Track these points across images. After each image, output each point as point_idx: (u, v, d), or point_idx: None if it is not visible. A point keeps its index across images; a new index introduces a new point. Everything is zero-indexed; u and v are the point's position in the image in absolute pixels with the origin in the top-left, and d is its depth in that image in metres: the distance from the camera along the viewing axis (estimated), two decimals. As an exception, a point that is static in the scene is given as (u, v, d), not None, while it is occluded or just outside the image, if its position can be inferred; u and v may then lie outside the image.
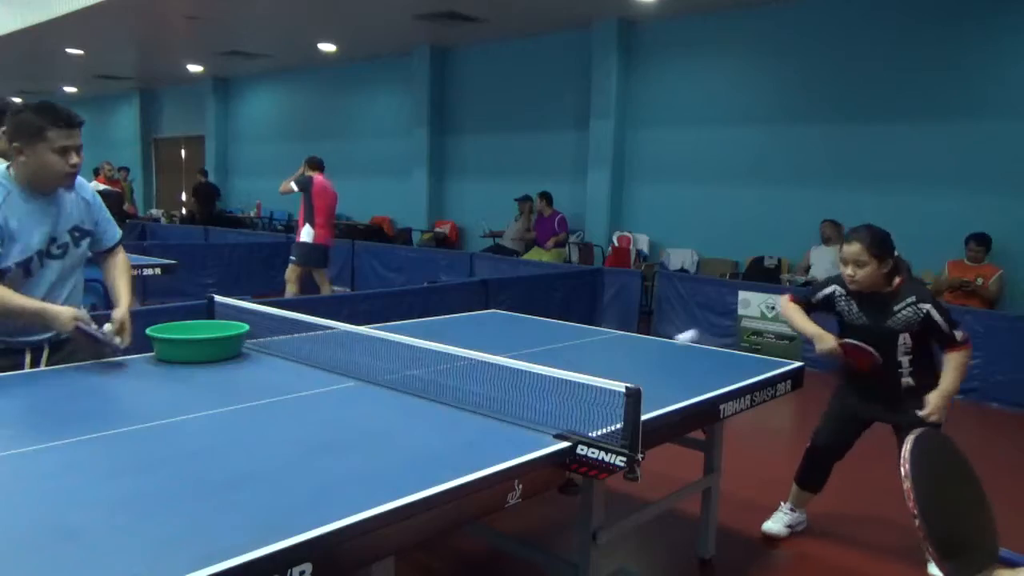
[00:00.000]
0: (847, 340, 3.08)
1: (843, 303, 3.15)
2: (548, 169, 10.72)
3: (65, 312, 2.46)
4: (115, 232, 2.81)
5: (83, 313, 2.50)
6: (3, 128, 3.42)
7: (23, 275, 2.49)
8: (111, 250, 2.81)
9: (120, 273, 2.80)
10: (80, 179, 2.70)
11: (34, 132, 2.42)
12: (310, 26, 10.80)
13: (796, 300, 3.29)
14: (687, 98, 9.36)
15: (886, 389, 3.12)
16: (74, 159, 2.49)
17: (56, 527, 1.38)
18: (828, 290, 3.21)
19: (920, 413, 2.98)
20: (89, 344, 2.53)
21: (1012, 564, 1.04)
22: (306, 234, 6.99)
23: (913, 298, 3.01)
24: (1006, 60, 7.12)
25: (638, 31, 9.70)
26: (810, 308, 3.26)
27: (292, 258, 7.22)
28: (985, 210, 7.16)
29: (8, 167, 2.50)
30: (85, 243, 2.69)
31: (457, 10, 9.41)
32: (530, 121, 10.98)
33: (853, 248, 3.00)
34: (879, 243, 2.99)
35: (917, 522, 0.90)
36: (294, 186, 7.23)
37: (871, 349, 3.02)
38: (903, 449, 0.96)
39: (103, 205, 2.78)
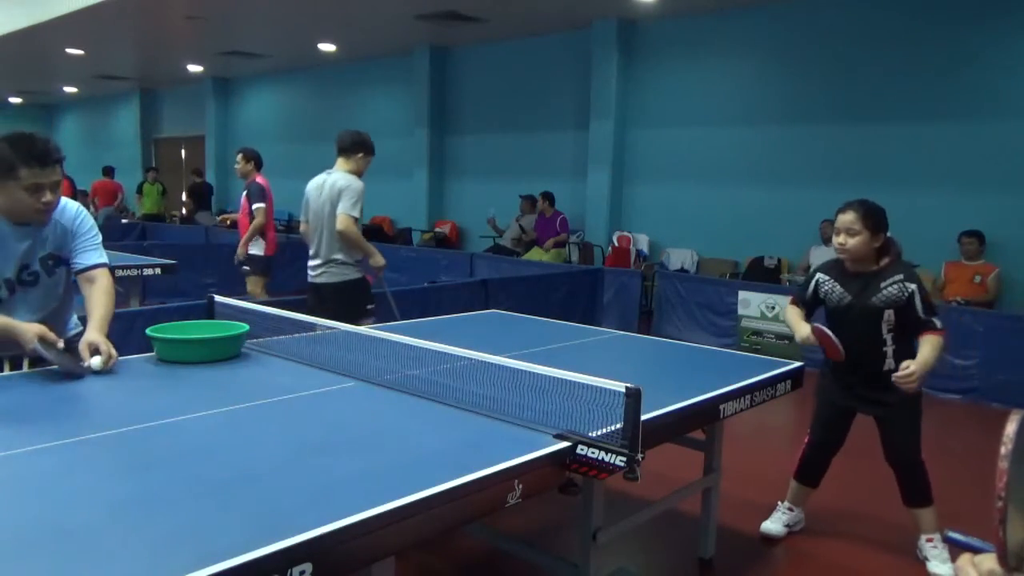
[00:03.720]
0: (818, 325, 3.09)
1: (827, 286, 3.17)
2: (548, 169, 10.72)
3: (30, 329, 2.34)
4: (92, 256, 2.62)
5: (47, 332, 2.37)
6: (360, 154, 4.59)
7: None
8: (87, 272, 2.60)
9: (95, 297, 2.58)
10: (63, 201, 2.56)
11: (5, 169, 2.32)
12: (310, 26, 10.80)
13: (795, 302, 3.33)
14: (687, 98, 9.36)
15: (869, 369, 3.10)
16: (47, 196, 2.38)
17: (56, 527, 1.38)
18: (812, 281, 3.25)
19: (896, 376, 2.92)
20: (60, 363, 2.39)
21: (961, 546, 1.04)
22: (258, 246, 6.36)
23: (901, 276, 3.03)
24: (1006, 61, 7.12)
25: (638, 31, 9.70)
26: (807, 306, 3.28)
27: (247, 268, 6.49)
28: (984, 210, 7.16)
29: None
30: (61, 271, 2.58)
31: (457, 10, 9.41)
32: (530, 121, 10.98)
33: (847, 216, 3.03)
34: (873, 215, 3.02)
35: (1000, 503, 0.89)
36: (262, 206, 6.35)
37: (837, 342, 3.02)
38: (1007, 428, 0.94)
39: (89, 229, 2.63)
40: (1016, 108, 7.05)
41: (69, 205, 2.61)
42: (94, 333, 2.47)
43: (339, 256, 4.40)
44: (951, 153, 7.44)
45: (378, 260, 4.52)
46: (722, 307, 7.30)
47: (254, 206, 6.37)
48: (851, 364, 3.13)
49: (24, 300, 2.52)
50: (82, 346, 2.44)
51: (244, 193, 6.48)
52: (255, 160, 6.50)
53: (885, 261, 3.07)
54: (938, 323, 3.01)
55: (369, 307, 4.52)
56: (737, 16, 8.81)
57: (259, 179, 6.47)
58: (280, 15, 10.17)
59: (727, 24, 8.92)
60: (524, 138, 11.09)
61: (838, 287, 3.13)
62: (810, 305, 3.27)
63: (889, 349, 3.07)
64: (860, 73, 7.96)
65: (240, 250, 6.41)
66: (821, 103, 8.28)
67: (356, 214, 4.36)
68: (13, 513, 1.46)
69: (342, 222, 4.31)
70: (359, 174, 4.55)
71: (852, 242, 3.02)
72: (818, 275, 3.24)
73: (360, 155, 4.58)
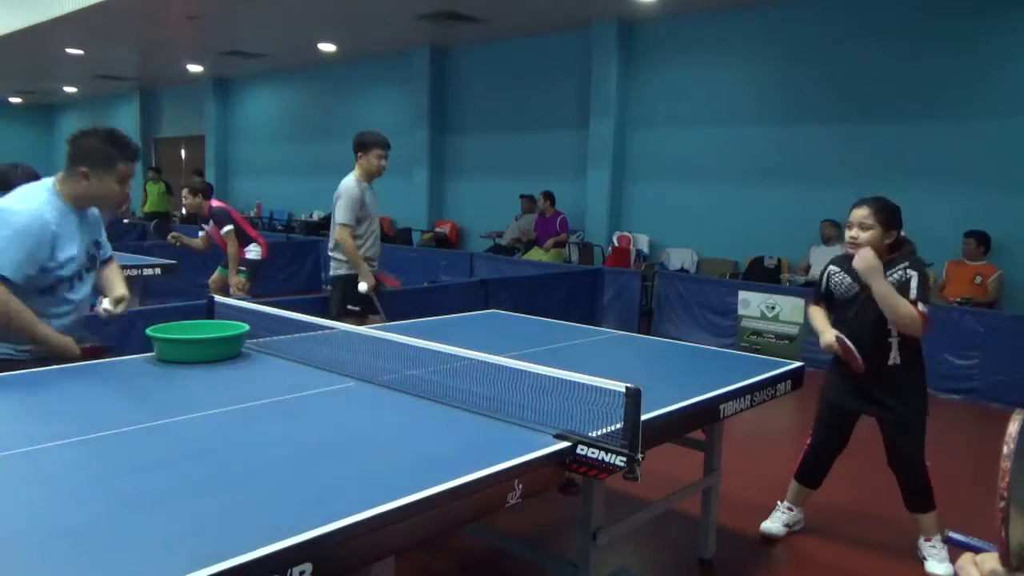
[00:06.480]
0: (841, 336, 3.07)
1: (837, 277, 3.19)
2: (548, 169, 10.72)
3: (73, 346, 2.61)
4: (108, 246, 2.95)
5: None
6: (358, 154, 4.86)
7: (67, 287, 2.60)
8: (108, 260, 2.94)
9: (116, 273, 2.95)
10: None
11: (105, 162, 2.56)
12: (310, 26, 10.79)
13: (817, 301, 3.33)
14: (687, 98, 9.35)
15: (875, 363, 3.06)
16: (127, 188, 2.71)
17: (57, 527, 1.39)
18: (824, 273, 3.28)
19: (858, 259, 2.93)
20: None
21: (962, 546, 1.04)
22: (255, 251, 6.73)
23: (906, 264, 3.04)
24: (1006, 59, 7.11)
25: (638, 31, 9.70)
26: (825, 301, 3.28)
27: (243, 268, 6.82)
28: (986, 209, 7.15)
29: (54, 183, 2.59)
30: (98, 255, 2.83)
31: (457, 10, 9.40)
32: (530, 121, 10.98)
33: (861, 211, 3.04)
34: (887, 210, 3.03)
35: (1002, 504, 0.89)
36: (230, 228, 6.43)
37: (857, 354, 3.02)
38: (1010, 428, 0.95)
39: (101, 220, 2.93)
40: (1019, 106, 7.04)
41: None
42: (123, 288, 2.86)
43: (335, 253, 4.76)
44: (953, 152, 7.43)
45: (365, 281, 4.61)
46: (722, 307, 7.30)
47: (223, 230, 6.42)
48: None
49: (86, 287, 2.73)
50: (115, 297, 2.78)
51: (210, 221, 6.51)
52: (202, 192, 6.60)
53: (895, 256, 3.07)
54: (923, 308, 2.95)
55: (350, 307, 4.64)
56: (737, 16, 8.81)
57: (215, 203, 6.56)
58: (280, 15, 10.17)
59: (727, 24, 8.92)
60: (524, 138, 11.09)
61: (847, 277, 3.14)
62: (827, 300, 3.28)
63: (894, 341, 3.05)
64: (860, 72, 7.96)
65: (232, 280, 6.52)
66: (821, 103, 8.28)
67: (349, 221, 4.59)
68: (13, 513, 1.46)
69: (338, 233, 4.61)
70: (370, 174, 4.86)
71: (864, 236, 3.01)
72: (830, 267, 3.27)
73: (359, 155, 4.88)
